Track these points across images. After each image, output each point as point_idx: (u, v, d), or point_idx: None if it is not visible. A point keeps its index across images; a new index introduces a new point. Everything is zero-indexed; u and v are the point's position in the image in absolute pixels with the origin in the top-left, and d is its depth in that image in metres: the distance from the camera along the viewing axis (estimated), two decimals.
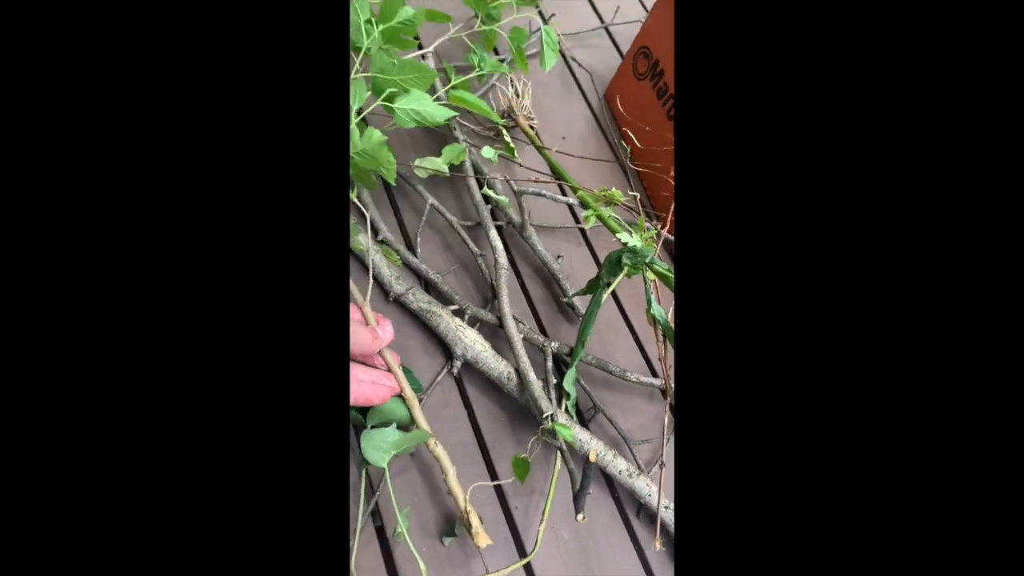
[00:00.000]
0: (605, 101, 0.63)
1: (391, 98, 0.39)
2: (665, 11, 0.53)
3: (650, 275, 0.36)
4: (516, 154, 0.49)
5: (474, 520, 0.32)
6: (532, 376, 0.41)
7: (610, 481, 0.44)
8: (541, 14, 0.64)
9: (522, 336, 0.44)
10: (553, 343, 0.45)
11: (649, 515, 0.43)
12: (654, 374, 0.49)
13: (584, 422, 0.46)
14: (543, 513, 0.39)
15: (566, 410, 0.43)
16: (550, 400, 0.41)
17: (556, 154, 0.55)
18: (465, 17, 0.53)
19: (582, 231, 0.55)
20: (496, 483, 0.41)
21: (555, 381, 0.43)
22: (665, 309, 0.37)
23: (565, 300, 0.49)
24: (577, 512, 0.36)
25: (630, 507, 0.44)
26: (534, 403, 0.40)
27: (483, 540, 0.32)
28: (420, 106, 0.39)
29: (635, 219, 0.53)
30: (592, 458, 0.37)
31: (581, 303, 0.49)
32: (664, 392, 0.40)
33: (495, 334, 0.45)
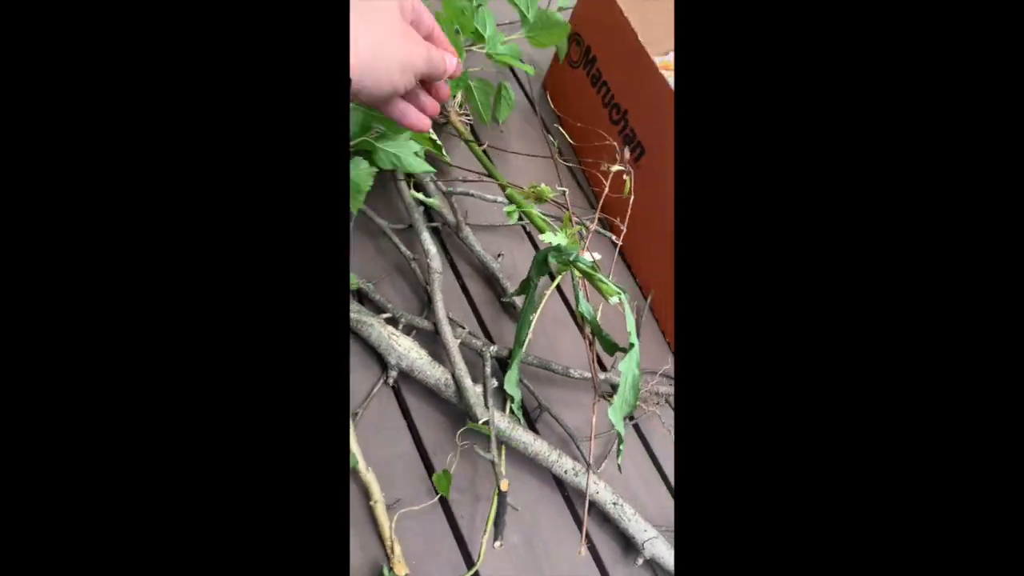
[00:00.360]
0: (544, 90, 0.62)
1: (379, 138, 0.39)
2: None
3: (578, 272, 0.35)
4: (444, 152, 0.47)
5: (396, 549, 0.31)
6: (468, 382, 0.40)
7: (559, 480, 0.43)
8: (513, 71, 0.62)
9: (459, 341, 0.43)
10: (493, 347, 0.44)
11: (600, 513, 0.42)
12: (603, 368, 0.49)
13: (531, 423, 0.45)
14: (487, 523, 0.38)
15: (511, 412, 0.42)
16: (486, 406, 0.40)
17: (491, 149, 0.53)
18: None
19: (524, 228, 0.54)
20: (424, 504, 0.40)
21: (495, 385, 0.42)
22: (595, 305, 0.36)
23: (505, 299, 0.48)
24: (496, 538, 0.35)
25: (580, 506, 0.43)
26: (469, 410, 0.39)
27: (401, 569, 0.31)
28: (402, 153, 0.39)
29: (579, 215, 0.52)
30: (504, 487, 0.36)
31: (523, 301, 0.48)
32: (596, 387, 0.40)
33: (434, 340, 0.44)
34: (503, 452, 0.41)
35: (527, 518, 0.41)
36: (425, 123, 0.34)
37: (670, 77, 0.65)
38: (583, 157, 0.57)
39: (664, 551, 0.41)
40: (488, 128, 0.57)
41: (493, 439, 0.38)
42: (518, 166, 0.55)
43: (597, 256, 0.35)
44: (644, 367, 0.49)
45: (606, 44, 0.51)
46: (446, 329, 0.42)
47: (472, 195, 0.46)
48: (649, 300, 0.52)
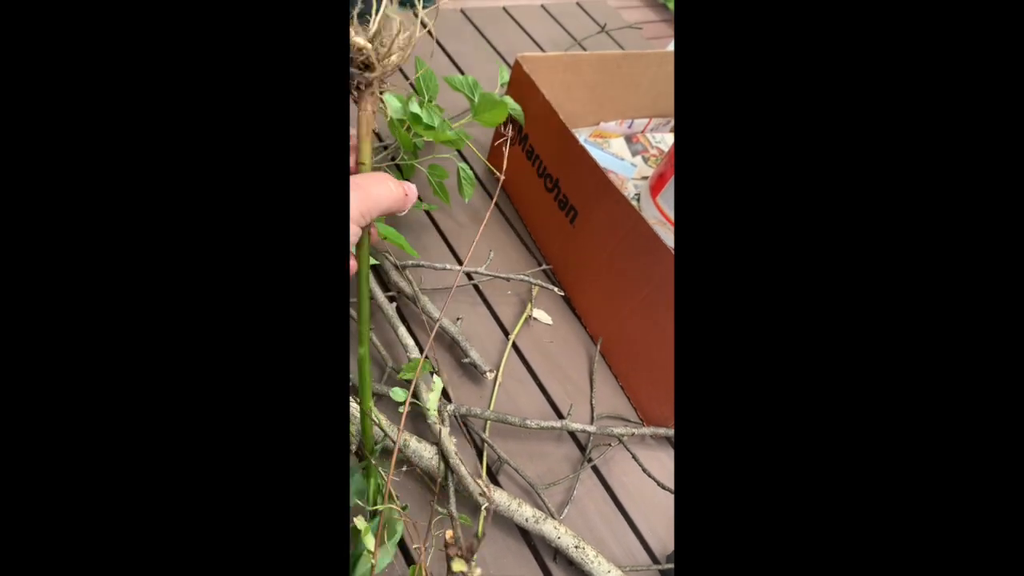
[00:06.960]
0: (488, 167, 0.68)
1: None
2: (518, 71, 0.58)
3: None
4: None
5: None
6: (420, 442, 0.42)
7: (524, 531, 0.45)
8: (461, 154, 0.69)
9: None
10: (450, 406, 0.46)
11: (566, 559, 0.44)
12: (559, 416, 0.52)
13: (493, 476, 0.47)
14: None
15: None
16: (445, 463, 0.42)
17: (448, 226, 0.58)
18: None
19: (476, 288, 0.58)
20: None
21: (454, 442, 0.45)
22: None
23: (466, 360, 0.51)
24: None
25: (547, 554, 0.44)
26: (431, 472, 0.41)
27: None
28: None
29: (528, 273, 0.57)
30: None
31: (485, 362, 0.51)
32: None
33: (388, 405, 0.47)
34: (486, 514, 0.43)
35: (491, 573, 0.43)
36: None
37: (598, 146, 0.72)
38: (527, 222, 0.63)
39: None
40: (440, 205, 0.62)
41: (452, 494, 0.40)
42: (472, 235, 0.60)
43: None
44: (599, 411, 0.52)
45: (534, 123, 0.58)
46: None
47: (423, 265, 0.51)
48: (599, 346, 0.56)
